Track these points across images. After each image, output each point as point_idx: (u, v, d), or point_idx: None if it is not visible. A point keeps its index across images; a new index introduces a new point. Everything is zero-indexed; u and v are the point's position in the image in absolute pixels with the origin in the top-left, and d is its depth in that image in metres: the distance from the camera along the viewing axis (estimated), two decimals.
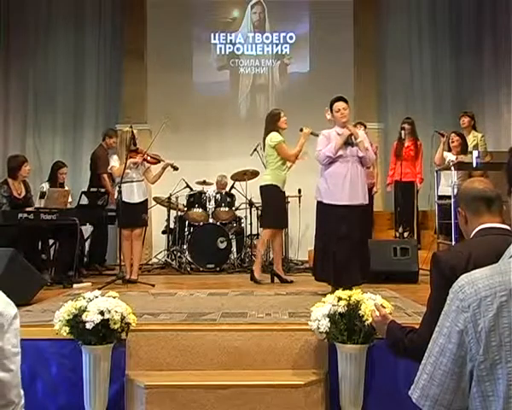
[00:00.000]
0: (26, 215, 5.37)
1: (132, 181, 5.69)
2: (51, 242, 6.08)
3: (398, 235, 6.99)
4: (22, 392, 1.59)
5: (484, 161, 5.25)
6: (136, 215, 5.68)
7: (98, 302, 3.03)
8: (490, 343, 1.09)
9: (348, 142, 4.59)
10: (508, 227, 2.02)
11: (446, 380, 1.15)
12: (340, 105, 4.67)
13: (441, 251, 2.54)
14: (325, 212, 4.60)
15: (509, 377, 1.07)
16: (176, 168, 5.93)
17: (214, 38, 8.74)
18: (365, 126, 7.10)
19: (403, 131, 7.04)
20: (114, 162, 5.81)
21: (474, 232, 2.07)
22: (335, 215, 4.51)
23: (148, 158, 5.83)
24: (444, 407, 1.15)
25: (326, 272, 4.57)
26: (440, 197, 6.02)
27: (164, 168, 5.86)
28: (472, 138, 6.63)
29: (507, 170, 1.30)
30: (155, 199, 7.37)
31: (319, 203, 4.66)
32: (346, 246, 4.49)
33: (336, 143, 4.56)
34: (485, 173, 5.47)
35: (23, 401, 1.60)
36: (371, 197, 6.98)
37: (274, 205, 5.62)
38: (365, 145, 4.62)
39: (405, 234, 6.95)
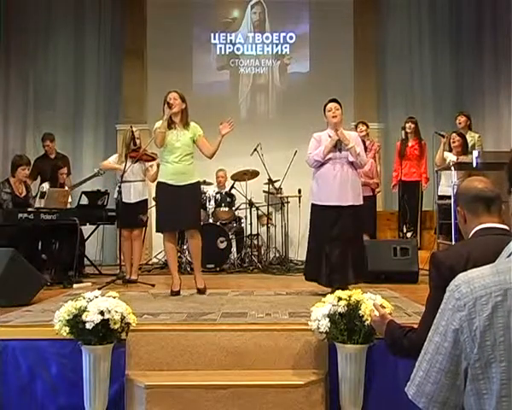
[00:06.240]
0: (26, 215, 5.38)
1: (130, 181, 5.70)
2: (51, 242, 6.08)
3: (401, 235, 6.99)
4: None
5: (484, 161, 5.25)
6: (132, 215, 5.69)
7: (98, 302, 3.03)
8: (484, 343, 1.09)
9: (337, 146, 4.62)
10: (507, 227, 2.01)
11: (442, 378, 1.15)
12: (332, 105, 4.71)
13: (440, 251, 2.53)
14: (317, 213, 4.66)
15: (502, 376, 1.08)
16: None
17: (214, 38, 8.75)
18: (367, 126, 7.10)
19: (405, 131, 7.03)
20: (110, 159, 6.00)
21: (472, 232, 2.05)
22: (327, 216, 4.57)
23: (144, 157, 5.81)
24: (439, 404, 1.16)
25: (317, 272, 4.61)
26: (440, 197, 6.02)
27: (158, 166, 5.69)
28: (469, 138, 6.62)
29: (508, 169, 1.30)
30: (155, 199, 7.35)
31: (313, 205, 4.73)
32: (339, 246, 4.53)
33: (325, 147, 4.60)
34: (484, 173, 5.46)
35: None
36: (374, 196, 6.98)
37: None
38: (357, 151, 4.62)
39: (409, 234, 6.95)
